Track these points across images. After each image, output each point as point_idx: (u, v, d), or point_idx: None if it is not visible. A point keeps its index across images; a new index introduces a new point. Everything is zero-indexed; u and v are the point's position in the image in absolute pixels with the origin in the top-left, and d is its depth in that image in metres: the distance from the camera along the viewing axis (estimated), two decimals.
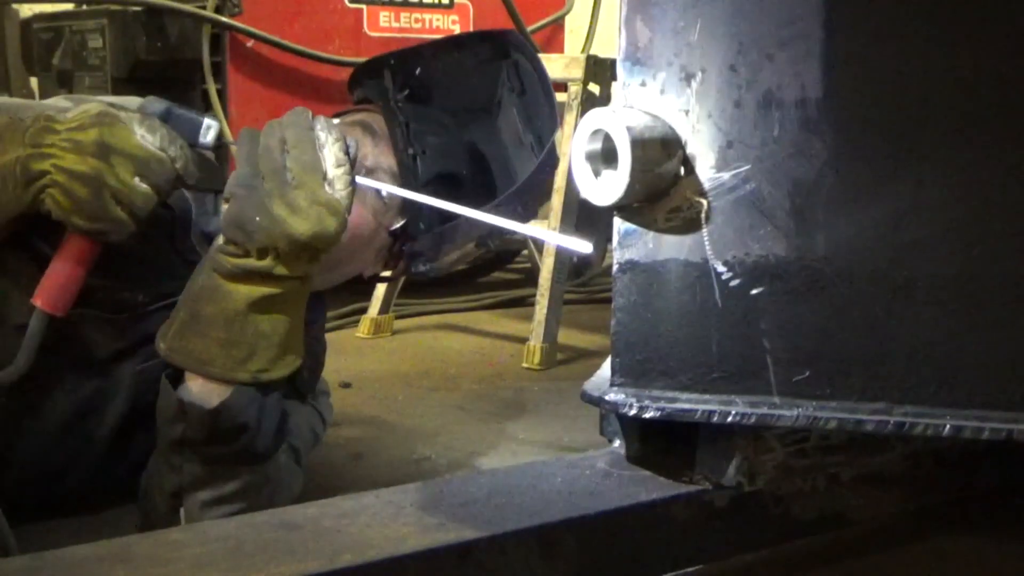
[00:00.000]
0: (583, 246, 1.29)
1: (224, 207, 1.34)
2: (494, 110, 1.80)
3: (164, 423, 1.36)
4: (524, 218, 1.75)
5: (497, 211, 1.63)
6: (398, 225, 1.66)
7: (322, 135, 1.33)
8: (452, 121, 1.78)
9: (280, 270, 1.30)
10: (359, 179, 1.37)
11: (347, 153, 1.33)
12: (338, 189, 1.30)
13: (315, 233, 1.28)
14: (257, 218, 1.28)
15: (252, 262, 1.30)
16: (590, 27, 3.68)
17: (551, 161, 1.73)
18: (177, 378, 1.36)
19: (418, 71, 1.79)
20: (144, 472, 1.43)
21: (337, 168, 1.31)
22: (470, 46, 1.82)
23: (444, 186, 1.71)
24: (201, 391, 1.33)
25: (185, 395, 1.33)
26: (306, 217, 1.27)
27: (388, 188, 1.52)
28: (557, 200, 2.51)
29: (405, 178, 1.66)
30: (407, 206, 1.65)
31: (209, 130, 1.40)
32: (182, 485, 1.36)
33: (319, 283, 1.71)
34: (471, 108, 1.80)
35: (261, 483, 1.39)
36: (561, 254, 2.52)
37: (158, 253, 1.53)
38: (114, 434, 1.49)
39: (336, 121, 1.68)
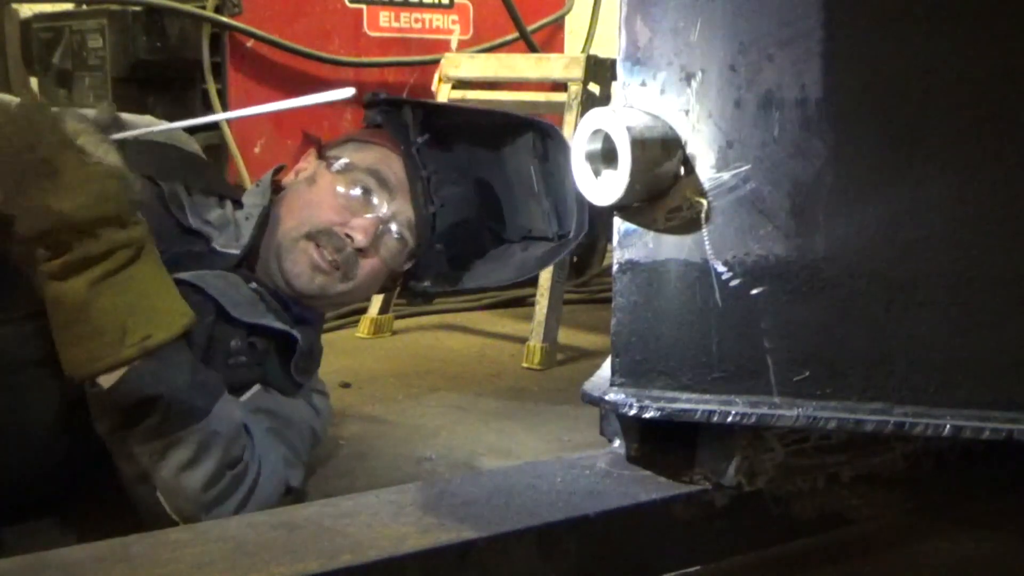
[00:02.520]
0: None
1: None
2: (511, 158, 1.80)
3: (99, 416, 1.37)
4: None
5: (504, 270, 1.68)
6: (406, 268, 1.70)
7: (69, 122, 1.30)
8: (468, 162, 1.78)
9: (94, 249, 1.28)
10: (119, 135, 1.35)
11: (87, 119, 1.31)
12: (92, 152, 1.28)
13: (97, 202, 1.26)
14: (37, 222, 1.25)
15: (61, 260, 1.27)
16: (590, 27, 3.68)
17: (569, 246, 1.74)
18: None
19: (440, 118, 1.78)
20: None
21: (85, 136, 1.28)
22: (498, 116, 1.83)
23: (457, 232, 1.73)
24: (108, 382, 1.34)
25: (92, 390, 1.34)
26: (83, 193, 1.25)
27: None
28: None
29: (421, 231, 1.68)
30: (418, 254, 1.69)
31: None
32: (143, 469, 1.36)
33: (327, 308, 1.73)
34: (488, 150, 1.80)
35: (212, 438, 1.38)
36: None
37: (161, 225, 1.53)
38: None
39: (345, 161, 1.69)
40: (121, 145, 1.34)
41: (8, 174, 1.25)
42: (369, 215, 1.66)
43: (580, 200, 1.68)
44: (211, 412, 1.39)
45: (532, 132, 1.76)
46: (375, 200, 1.68)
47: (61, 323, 1.31)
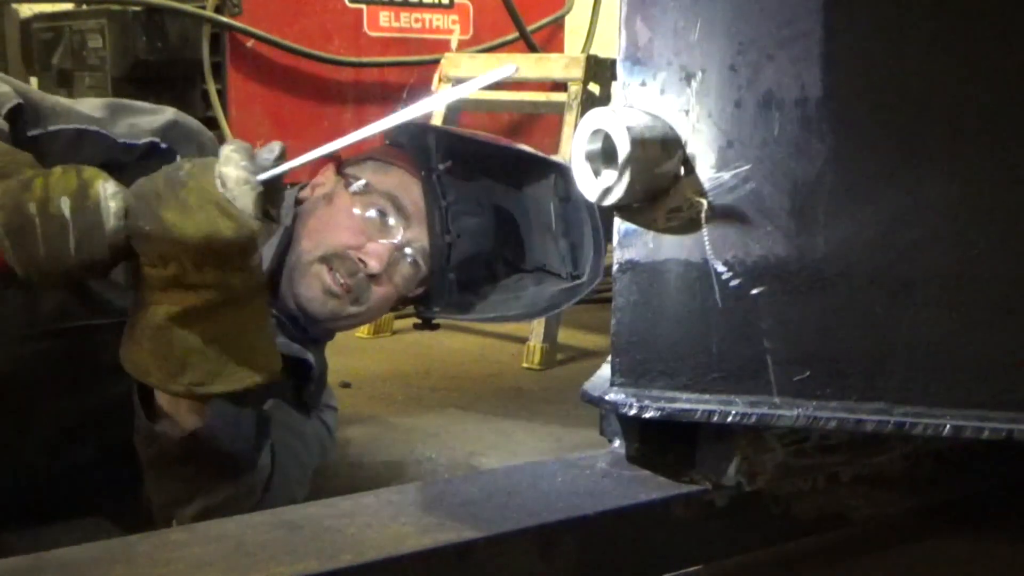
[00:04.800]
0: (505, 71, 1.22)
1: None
2: (532, 191, 1.79)
3: (140, 443, 1.35)
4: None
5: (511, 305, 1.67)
6: (418, 293, 1.69)
7: (226, 147, 1.23)
8: (488, 191, 1.77)
9: (192, 279, 1.22)
10: (266, 175, 1.21)
11: (251, 156, 1.21)
12: (231, 188, 1.18)
13: (206, 235, 1.18)
14: (148, 226, 1.19)
15: (160, 272, 1.22)
16: (590, 27, 3.69)
17: (582, 291, 1.73)
18: (149, 393, 1.33)
19: (464, 146, 1.76)
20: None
21: (233, 167, 1.19)
22: (524, 154, 1.81)
23: (471, 262, 1.72)
24: (170, 407, 1.31)
25: (156, 421, 1.32)
26: (195, 219, 1.18)
27: (287, 167, 1.30)
28: None
29: (435, 260, 1.67)
30: (430, 283, 1.69)
31: None
32: (168, 501, 1.35)
33: (336, 330, 1.73)
34: (510, 181, 1.79)
35: (246, 493, 1.39)
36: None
37: None
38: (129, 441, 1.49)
39: (363, 183, 1.67)
40: (273, 190, 1.24)
41: (160, 178, 1.22)
42: (384, 240, 1.64)
43: (598, 245, 1.67)
44: (256, 462, 1.39)
45: (557, 173, 1.74)
46: (391, 224, 1.66)
47: (134, 322, 1.26)
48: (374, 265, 1.62)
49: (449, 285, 1.73)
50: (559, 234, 1.76)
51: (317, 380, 1.65)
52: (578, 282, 1.74)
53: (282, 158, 1.21)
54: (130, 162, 1.49)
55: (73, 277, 1.22)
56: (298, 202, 1.71)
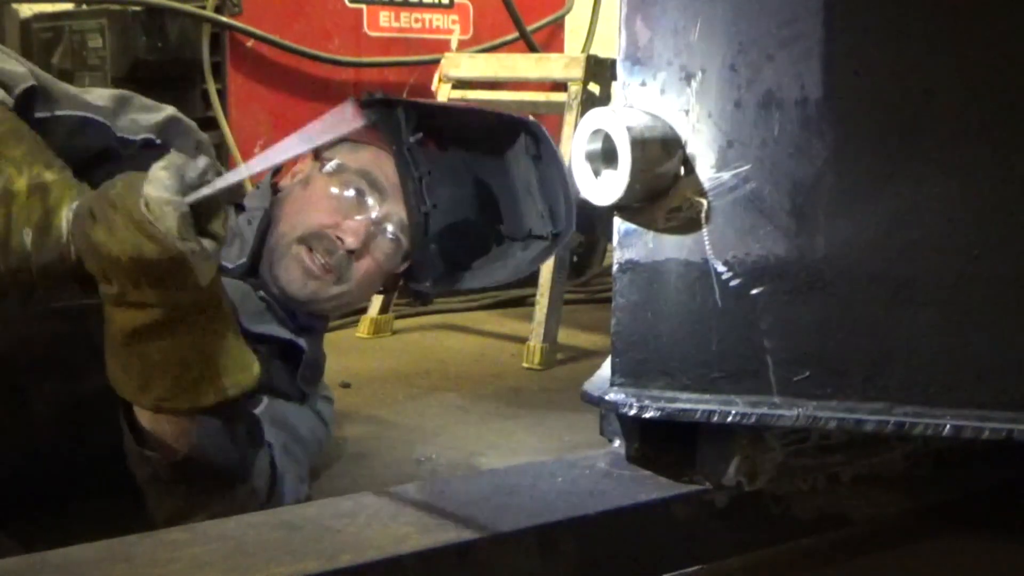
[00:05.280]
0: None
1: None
2: (507, 155, 1.80)
3: (133, 465, 1.34)
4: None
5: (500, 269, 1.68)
6: (403, 268, 1.70)
7: (156, 165, 1.20)
8: (464, 162, 1.78)
9: (133, 297, 1.20)
10: (195, 196, 1.19)
11: (181, 174, 1.18)
12: (153, 209, 1.15)
13: (131, 257, 1.16)
14: (82, 246, 1.19)
15: (109, 288, 1.21)
16: (590, 27, 3.68)
17: (557, 245, 1.75)
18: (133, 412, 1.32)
19: (432, 116, 1.77)
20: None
21: (156, 188, 1.16)
22: (489, 116, 1.83)
23: (454, 232, 1.73)
24: (154, 425, 1.30)
25: (144, 443, 1.31)
26: (120, 239, 1.16)
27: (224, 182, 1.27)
28: None
29: (414, 232, 1.68)
30: (412, 256, 1.68)
31: None
32: (168, 516, 1.35)
33: (325, 313, 1.74)
34: (489, 150, 1.79)
35: (246, 500, 1.38)
36: (561, 254, 2.52)
37: None
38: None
39: (337, 163, 1.68)
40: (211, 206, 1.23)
41: (96, 195, 1.22)
42: (360, 217, 1.66)
43: (568, 199, 1.69)
44: (251, 472, 1.39)
45: (524, 132, 1.76)
46: (368, 201, 1.67)
47: (104, 333, 1.27)
48: (351, 241, 1.63)
49: (432, 256, 1.74)
50: (536, 195, 1.78)
51: (312, 365, 1.66)
52: (555, 240, 1.76)
53: (208, 174, 1.20)
54: (127, 155, 1.50)
55: (40, 291, 1.25)
56: (275, 189, 1.73)
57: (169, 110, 1.58)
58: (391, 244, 1.69)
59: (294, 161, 1.78)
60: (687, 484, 1.26)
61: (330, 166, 1.70)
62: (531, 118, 1.81)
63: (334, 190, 1.67)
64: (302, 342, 1.63)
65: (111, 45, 2.89)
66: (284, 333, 1.61)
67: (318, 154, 1.74)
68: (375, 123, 1.76)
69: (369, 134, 1.76)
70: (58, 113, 1.43)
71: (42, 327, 1.42)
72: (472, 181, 1.78)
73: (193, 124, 1.62)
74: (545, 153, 1.75)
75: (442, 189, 1.72)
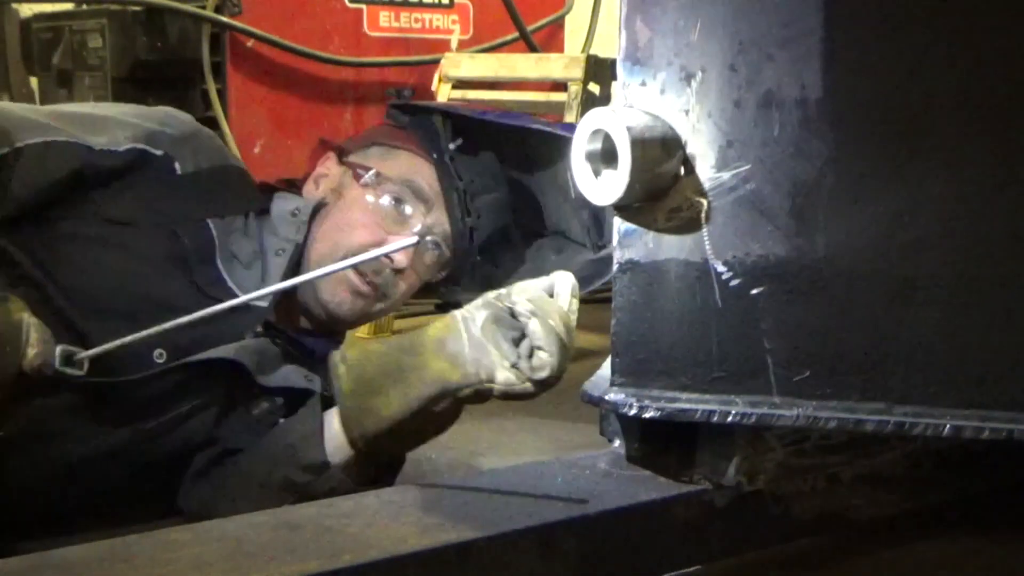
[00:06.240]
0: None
1: None
2: (544, 157, 1.76)
3: (287, 463, 1.39)
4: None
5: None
6: (440, 277, 1.68)
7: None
8: (498, 166, 1.73)
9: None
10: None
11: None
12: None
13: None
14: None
15: None
16: (590, 27, 3.68)
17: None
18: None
19: (468, 122, 1.72)
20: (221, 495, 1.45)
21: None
22: (536, 132, 1.77)
23: (494, 239, 1.69)
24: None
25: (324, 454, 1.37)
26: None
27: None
28: None
29: (457, 244, 1.64)
30: (454, 267, 1.67)
31: None
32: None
33: (360, 324, 1.73)
34: (517, 145, 1.75)
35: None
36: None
37: (177, 293, 1.50)
38: (148, 469, 1.49)
39: (375, 173, 1.60)
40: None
41: None
42: (405, 231, 1.60)
43: None
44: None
45: (567, 145, 1.73)
46: (409, 212, 1.62)
47: None
48: (401, 260, 1.59)
49: (473, 268, 1.70)
50: (579, 204, 1.70)
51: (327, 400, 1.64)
52: (607, 251, 1.71)
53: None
54: (117, 168, 1.50)
55: None
56: (313, 215, 1.64)
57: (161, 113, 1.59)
58: (433, 256, 1.64)
59: (311, 164, 1.73)
60: (687, 484, 1.26)
61: (367, 178, 1.63)
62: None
63: (373, 201, 1.61)
64: (316, 384, 1.59)
65: (111, 45, 2.89)
66: (300, 382, 1.55)
67: (345, 159, 1.68)
68: (409, 126, 1.72)
69: (403, 138, 1.69)
70: (17, 145, 1.42)
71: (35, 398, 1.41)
72: (506, 181, 1.73)
73: (187, 117, 1.61)
74: None
75: (483, 197, 1.67)
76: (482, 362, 1.30)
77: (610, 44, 1.53)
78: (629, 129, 1.12)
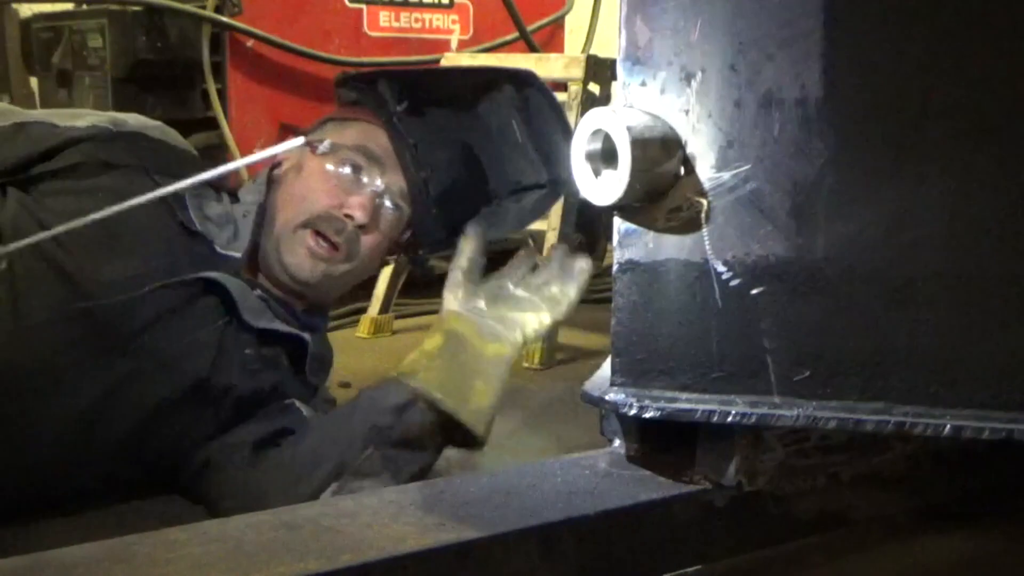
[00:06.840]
0: None
1: None
2: (489, 113, 1.81)
3: (381, 410, 1.41)
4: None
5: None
6: (406, 237, 1.72)
7: None
8: (447, 125, 1.80)
9: None
10: None
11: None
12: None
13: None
14: None
15: None
16: (590, 27, 3.68)
17: (559, 191, 1.76)
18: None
19: (414, 82, 1.80)
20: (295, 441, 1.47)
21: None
22: (473, 72, 1.85)
23: (449, 195, 1.74)
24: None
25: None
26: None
27: None
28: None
29: (415, 199, 1.70)
30: (415, 222, 1.70)
31: None
32: (355, 467, 1.40)
33: (334, 292, 1.75)
34: (465, 109, 1.81)
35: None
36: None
37: (163, 227, 1.55)
38: (150, 415, 1.49)
39: (329, 142, 1.69)
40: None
41: None
42: (364, 191, 1.66)
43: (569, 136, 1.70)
44: None
45: (510, 84, 1.76)
46: (365, 176, 1.69)
47: None
48: (360, 216, 1.65)
49: (434, 222, 1.77)
50: (527, 145, 1.78)
51: (318, 357, 1.66)
52: (556, 184, 1.76)
53: None
54: (82, 137, 1.56)
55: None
56: (270, 180, 1.73)
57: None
58: (394, 213, 1.70)
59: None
60: (687, 484, 1.26)
61: (323, 147, 1.70)
62: (514, 68, 1.82)
63: (332, 169, 1.68)
64: (306, 336, 1.63)
65: (111, 45, 2.89)
66: (288, 328, 1.61)
67: (305, 140, 1.75)
68: (357, 99, 1.78)
69: (355, 110, 1.77)
70: None
71: (38, 339, 1.42)
72: (458, 143, 1.79)
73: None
74: (533, 100, 1.75)
75: (433, 154, 1.74)
76: (516, 324, 1.46)
77: (610, 44, 1.53)
78: (629, 129, 1.12)
